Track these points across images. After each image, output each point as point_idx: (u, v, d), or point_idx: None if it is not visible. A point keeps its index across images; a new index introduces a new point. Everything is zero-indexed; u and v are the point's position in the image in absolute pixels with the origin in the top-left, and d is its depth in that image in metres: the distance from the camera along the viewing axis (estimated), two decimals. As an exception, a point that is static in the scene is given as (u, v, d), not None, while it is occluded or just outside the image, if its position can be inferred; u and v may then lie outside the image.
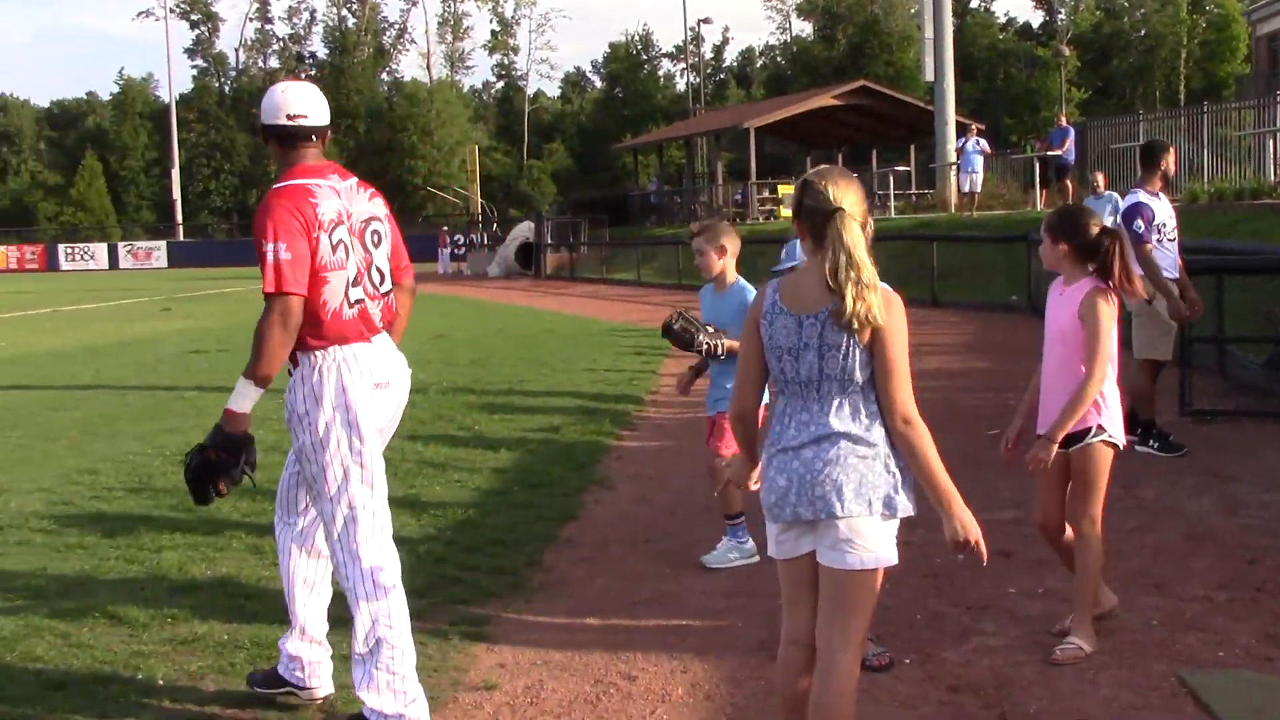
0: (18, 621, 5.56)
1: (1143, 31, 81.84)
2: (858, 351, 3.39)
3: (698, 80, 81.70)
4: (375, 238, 4.39)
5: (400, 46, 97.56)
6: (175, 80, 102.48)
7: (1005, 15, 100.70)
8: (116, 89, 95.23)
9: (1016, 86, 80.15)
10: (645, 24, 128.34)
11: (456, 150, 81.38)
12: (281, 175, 4.29)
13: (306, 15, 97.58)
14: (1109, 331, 4.85)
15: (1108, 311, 4.84)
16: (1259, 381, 10.50)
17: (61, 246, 68.25)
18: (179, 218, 73.65)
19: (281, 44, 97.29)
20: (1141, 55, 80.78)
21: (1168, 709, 4.41)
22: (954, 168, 29.86)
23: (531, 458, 9.21)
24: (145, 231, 77.83)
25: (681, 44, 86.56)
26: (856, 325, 3.34)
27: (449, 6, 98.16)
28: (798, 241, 6.23)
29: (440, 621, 5.51)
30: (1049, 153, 26.57)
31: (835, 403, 3.43)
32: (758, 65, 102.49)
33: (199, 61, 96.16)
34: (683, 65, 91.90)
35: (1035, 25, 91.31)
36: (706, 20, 71.29)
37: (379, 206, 4.46)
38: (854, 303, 3.32)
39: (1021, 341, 13.65)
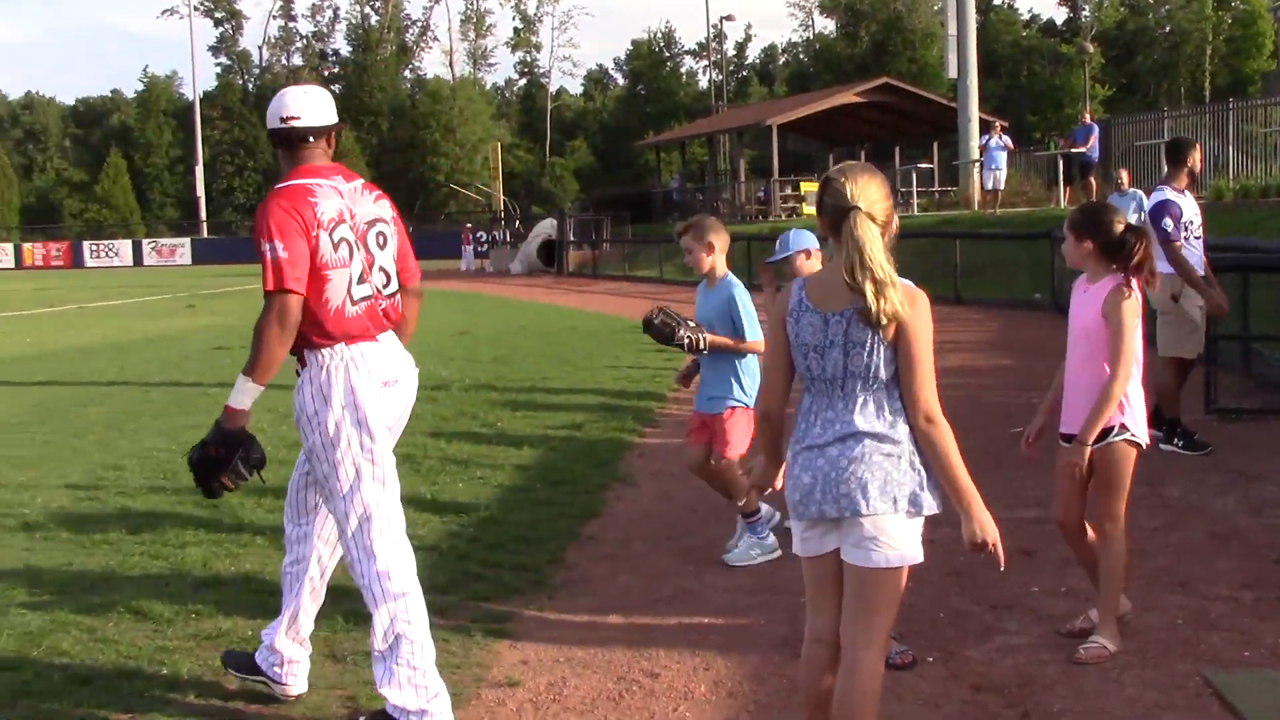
0: (44, 616, 5.60)
1: (1167, 28, 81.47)
2: (883, 348, 3.39)
3: (720, 77, 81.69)
4: (380, 239, 4.40)
5: (423, 44, 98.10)
6: (199, 78, 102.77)
7: (1029, 11, 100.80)
8: (141, 87, 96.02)
9: (1040, 83, 79.82)
10: (668, 21, 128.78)
11: (479, 147, 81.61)
12: (285, 177, 4.33)
13: (330, 13, 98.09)
14: (1133, 329, 4.83)
15: (1132, 309, 4.82)
16: (1285, 380, 10.43)
17: (86, 243, 68.73)
18: (203, 215, 74.08)
19: (305, 41, 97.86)
20: (1166, 51, 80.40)
21: (1192, 709, 4.39)
22: (977, 165, 29.72)
23: (554, 455, 9.22)
24: (169, 228, 78.38)
25: (704, 41, 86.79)
26: (884, 321, 3.34)
27: (471, 4, 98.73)
28: (791, 233, 6.30)
29: (463, 618, 5.52)
30: (1073, 150, 26.42)
31: (860, 400, 3.43)
32: (780, 62, 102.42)
33: (223, 59, 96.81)
34: (705, 62, 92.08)
35: (1059, 22, 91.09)
36: (729, 17, 71.78)
37: (385, 209, 4.47)
38: (875, 300, 3.32)
39: (1045, 339, 13.61)
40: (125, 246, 67.69)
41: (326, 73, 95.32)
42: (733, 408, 6.35)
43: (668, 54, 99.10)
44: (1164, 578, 5.82)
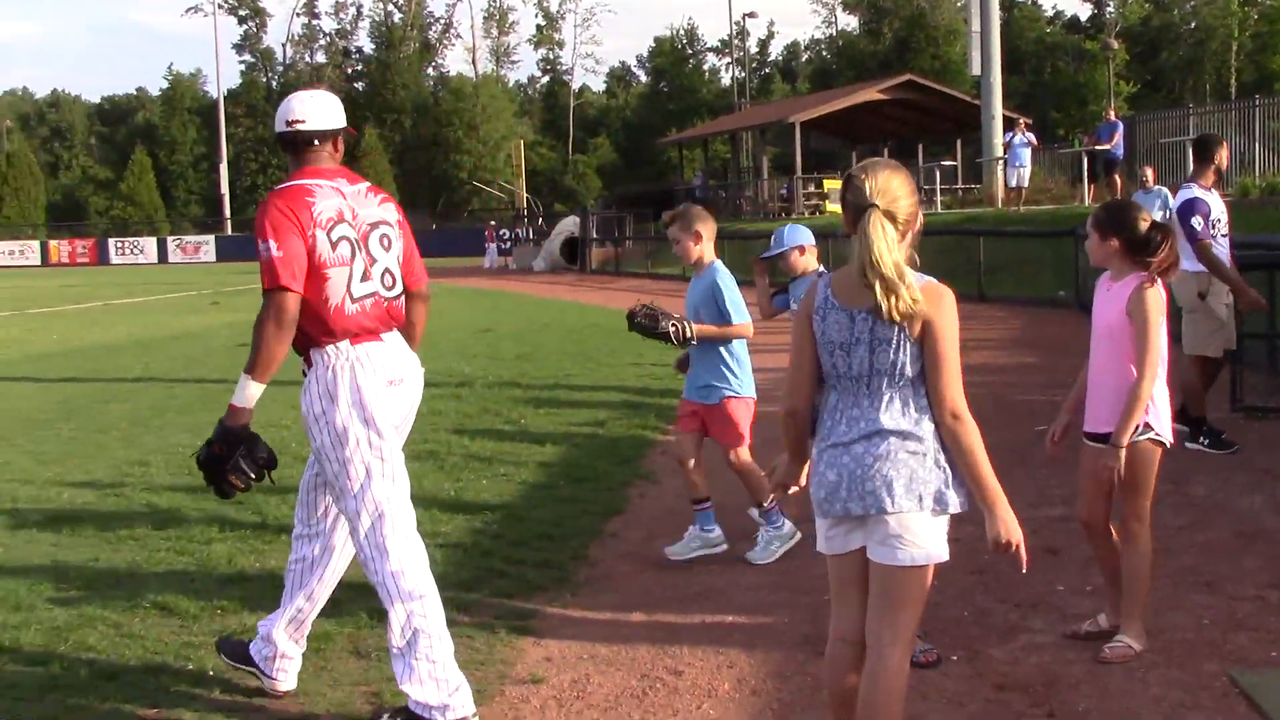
0: (71, 611, 5.64)
1: (1192, 24, 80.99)
2: (909, 345, 3.38)
3: (743, 75, 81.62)
4: (385, 241, 4.42)
5: (446, 41, 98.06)
6: (223, 75, 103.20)
7: (1053, 8, 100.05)
8: (165, 84, 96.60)
9: (1064, 80, 79.40)
10: (690, 18, 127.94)
11: (502, 145, 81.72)
12: (289, 178, 4.36)
13: (353, 10, 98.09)
14: (1158, 327, 4.80)
15: (1157, 307, 4.79)
16: (1312, 378, 10.36)
17: (112, 240, 69.11)
18: (227, 212, 74.32)
19: (328, 39, 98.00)
20: (1191, 48, 79.94)
21: (1218, 709, 4.36)
22: (1001, 162, 29.60)
23: (577, 452, 9.23)
24: (194, 225, 78.76)
25: (726, 38, 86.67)
26: (896, 319, 3.33)
27: (494, 1, 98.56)
28: (786, 229, 6.30)
29: (486, 615, 5.54)
30: (1097, 147, 26.29)
31: (885, 398, 3.42)
32: (803, 59, 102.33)
33: (246, 57, 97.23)
34: (728, 60, 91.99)
35: (1083, 18, 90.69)
36: (751, 14, 71.36)
37: (390, 212, 4.49)
38: (885, 299, 3.32)
39: (1069, 337, 13.56)
40: (150, 244, 68.02)
41: (350, 70, 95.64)
42: (728, 398, 6.33)
43: (690, 51, 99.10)
44: (1189, 577, 5.79)
